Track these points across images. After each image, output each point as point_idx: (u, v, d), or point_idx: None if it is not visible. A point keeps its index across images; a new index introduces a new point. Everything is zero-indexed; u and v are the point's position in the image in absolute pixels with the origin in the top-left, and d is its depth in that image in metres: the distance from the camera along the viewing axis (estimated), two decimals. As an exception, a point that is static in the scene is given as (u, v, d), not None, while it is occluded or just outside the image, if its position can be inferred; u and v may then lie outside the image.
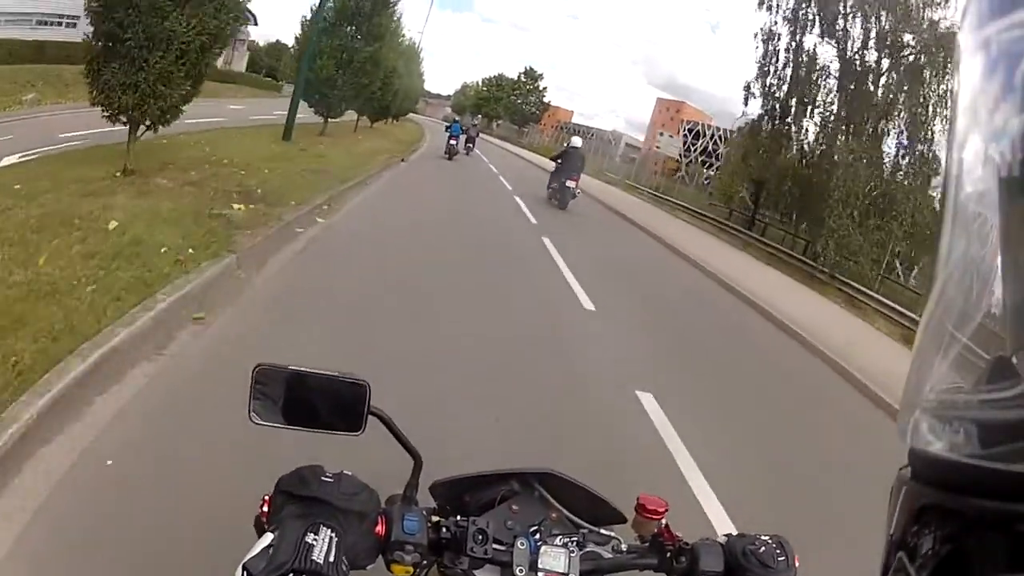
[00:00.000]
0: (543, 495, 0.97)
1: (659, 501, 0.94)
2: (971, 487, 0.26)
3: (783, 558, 0.88)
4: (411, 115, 59.38)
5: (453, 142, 19.89)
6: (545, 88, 78.27)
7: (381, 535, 0.83)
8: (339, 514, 0.79)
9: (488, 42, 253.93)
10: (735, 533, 0.94)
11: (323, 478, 0.81)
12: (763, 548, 0.89)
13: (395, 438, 0.88)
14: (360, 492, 0.82)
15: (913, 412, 0.33)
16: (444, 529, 0.88)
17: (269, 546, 0.73)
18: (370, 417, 0.85)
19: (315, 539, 0.73)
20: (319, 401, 0.85)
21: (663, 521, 0.94)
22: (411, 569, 0.84)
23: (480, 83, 79.51)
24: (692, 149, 51.83)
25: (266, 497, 0.83)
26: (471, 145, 22.31)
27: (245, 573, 0.70)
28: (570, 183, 13.95)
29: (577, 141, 15.54)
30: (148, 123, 7.16)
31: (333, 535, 0.75)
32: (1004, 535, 0.24)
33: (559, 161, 14.76)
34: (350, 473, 0.84)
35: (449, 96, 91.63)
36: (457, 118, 23.39)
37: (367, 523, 0.82)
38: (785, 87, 17.54)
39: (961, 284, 0.30)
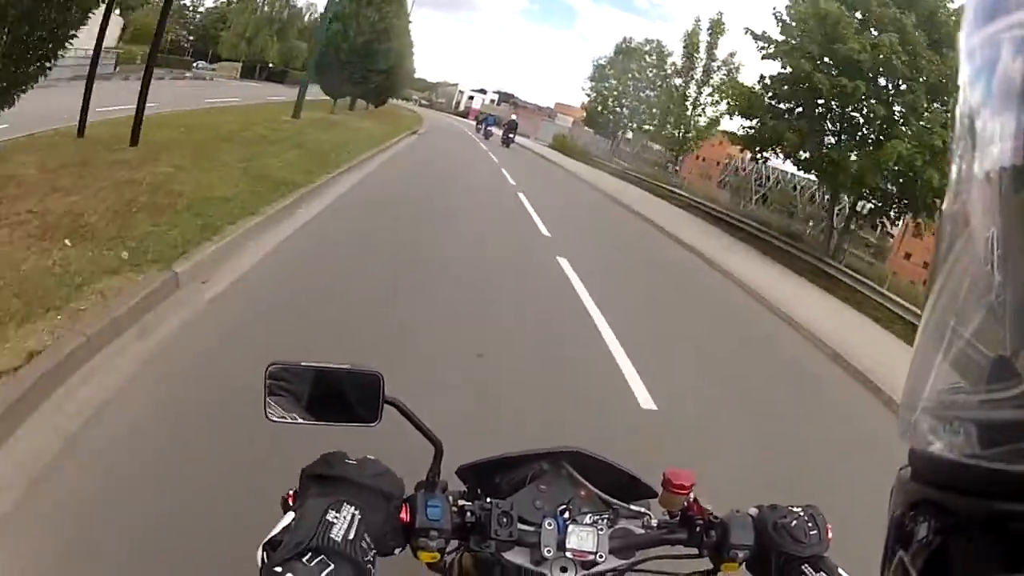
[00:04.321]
0: (571, 474, 0.95)
1: (686, 475, 0.92)
2: (971, 487, 0.26)
3: (815, 531, 0.86)
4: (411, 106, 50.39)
5: (488, 127, 33.50)
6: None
7: (406, 522, 0.82)
8: (363, 492, 0.78)
9: (586, 63, 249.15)
10: (766, 505, 0.92)
11: (346, 460, 0.81)
12: (794, 521, 0.87)
13: (414, 426, 0.86)
14: (383, 474, 0.82)
15: (913, 412, 0.32)
16: (469, 513, 0.87)
17: (290, 524, 0.71)
18: (387, 407, 0.84)
19: (336, 516, 0.71)
20: (334, 394, 0.85)
21: (691, 495, 0.92)
22: (437, 555, 0.83)
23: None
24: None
25: (290, 492, 0.82)
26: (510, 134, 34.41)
27: (265, 551, 0.69)
28: (511, 135, 30.41)
29: (513, 116, 36.46)
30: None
31: (356, 512, 0.73)
32: (1001, 535, 0.24)
33: (506, 126, 31.58)
34: (373, 458, 0.83)
35: (548, 108, 64.91)
36: (492, 114, 38.60)
37: (392, 505, 0.80)
38: None
39: (961, 284, 0.30)
